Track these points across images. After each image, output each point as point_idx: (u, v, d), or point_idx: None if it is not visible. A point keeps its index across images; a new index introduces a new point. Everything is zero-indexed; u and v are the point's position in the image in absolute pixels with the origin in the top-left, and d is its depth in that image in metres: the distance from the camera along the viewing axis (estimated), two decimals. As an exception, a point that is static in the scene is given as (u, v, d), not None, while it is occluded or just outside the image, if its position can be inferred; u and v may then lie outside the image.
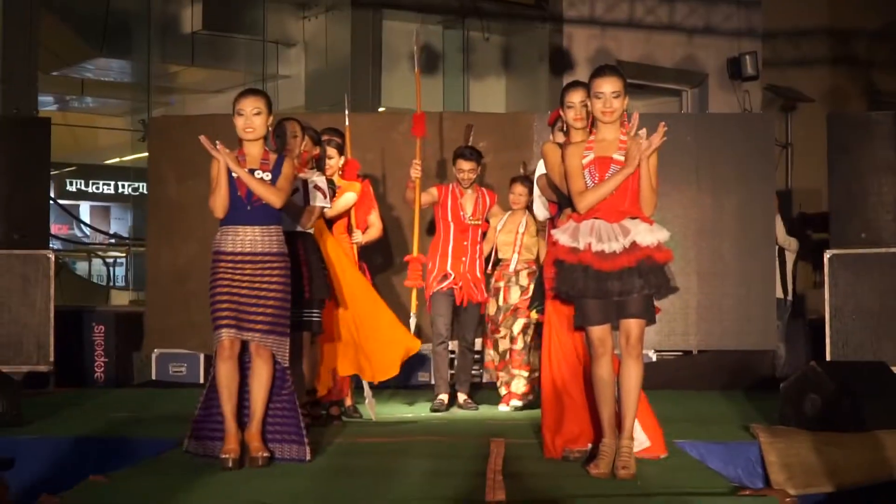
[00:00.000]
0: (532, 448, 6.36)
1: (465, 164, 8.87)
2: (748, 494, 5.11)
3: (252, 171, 5.73)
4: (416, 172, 8.74)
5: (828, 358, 9.13)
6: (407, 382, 10.33)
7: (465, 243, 8.86)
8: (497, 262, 8.95)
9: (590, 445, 5.83)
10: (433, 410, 8.65)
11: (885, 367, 7.57)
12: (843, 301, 9.34)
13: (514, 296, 8.69)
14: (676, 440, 6.48)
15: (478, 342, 9.32)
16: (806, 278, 13.54)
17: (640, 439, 5.87)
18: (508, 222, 8.89)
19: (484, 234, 9.02)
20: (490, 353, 8.94)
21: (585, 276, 5.44)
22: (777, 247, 10.81)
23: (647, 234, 5.43)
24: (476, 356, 9.54)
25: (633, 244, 5.41)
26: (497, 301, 8.78)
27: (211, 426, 5.92)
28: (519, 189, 8.88)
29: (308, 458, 5.82)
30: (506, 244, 8.84)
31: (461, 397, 8.91)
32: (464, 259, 8.84)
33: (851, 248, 9.39)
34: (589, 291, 5.44)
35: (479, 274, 8.91)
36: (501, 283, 8.79)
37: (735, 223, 10.45)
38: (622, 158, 5.48)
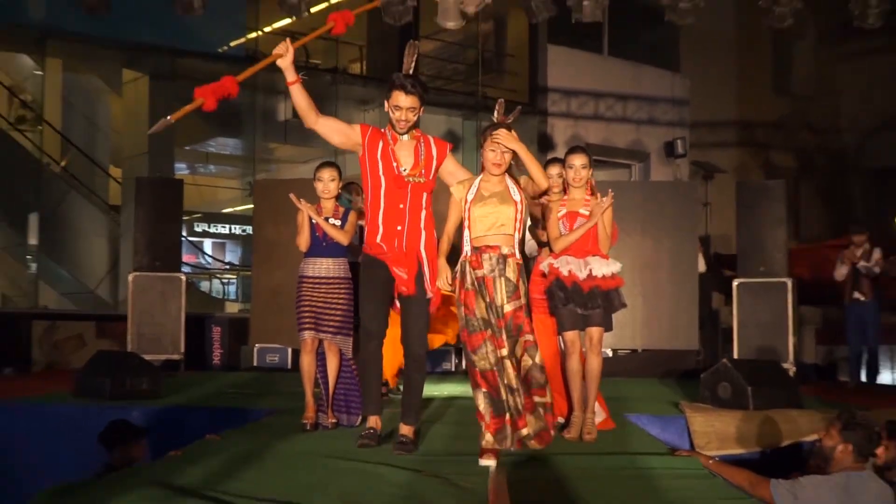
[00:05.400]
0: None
1: (404, 100, 4.73)
2: (679, 454, 5.10)
3: (327, 219, 5.77)
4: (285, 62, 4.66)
5: (735, 356, 9.09)
6: (434, 369, 10.30)
7: (402, 206, 4.74)
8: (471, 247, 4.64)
9: (561, 419, 5.81)
10: (360, 445, 4.85)
11: (777, 365, 7.56)
12: (747, 316, 9.31)
13: (501, 293, 4.54)
14: (626, 413, 6.46)
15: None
16: (720, 299, 13.54)
17: (600, 414, 5.87)
18: (483, 189, 4.68)
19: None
20: (482, 398, 4.55)
21: (571, 295, 5.39)
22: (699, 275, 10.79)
23: (603, 267, 5.42)
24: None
25: (590, 274, 5.38)
26: (482, 298, 4.55)
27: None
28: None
29: (357, 423, 5.73)
30: (483, 218, 4.61)
31: (403, 430, 4.82)
32: (399, 228, 4.74)
33: (753, 278, 9.38)
34: (570, 305, 5.40)
35: (422, 251, 4.77)
36: (483, 272, 4.56)
37: (669, 260, 10.40)
38: (587, 213, 5.47)
